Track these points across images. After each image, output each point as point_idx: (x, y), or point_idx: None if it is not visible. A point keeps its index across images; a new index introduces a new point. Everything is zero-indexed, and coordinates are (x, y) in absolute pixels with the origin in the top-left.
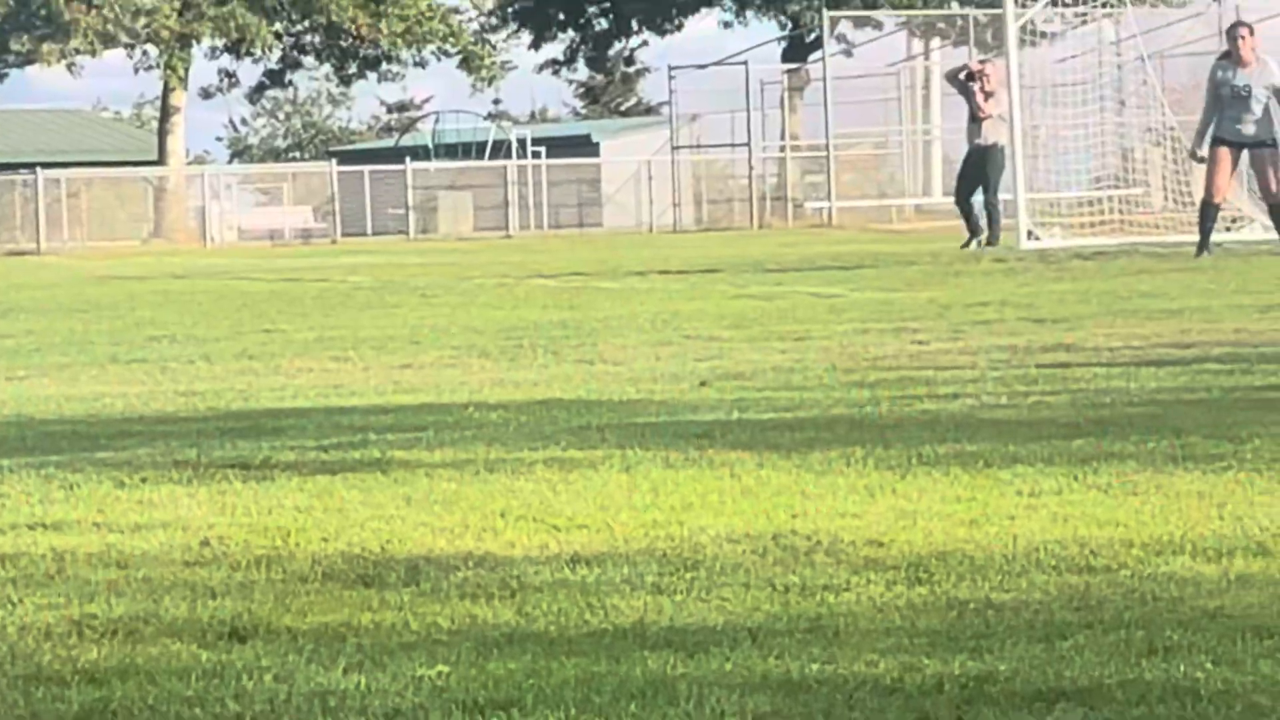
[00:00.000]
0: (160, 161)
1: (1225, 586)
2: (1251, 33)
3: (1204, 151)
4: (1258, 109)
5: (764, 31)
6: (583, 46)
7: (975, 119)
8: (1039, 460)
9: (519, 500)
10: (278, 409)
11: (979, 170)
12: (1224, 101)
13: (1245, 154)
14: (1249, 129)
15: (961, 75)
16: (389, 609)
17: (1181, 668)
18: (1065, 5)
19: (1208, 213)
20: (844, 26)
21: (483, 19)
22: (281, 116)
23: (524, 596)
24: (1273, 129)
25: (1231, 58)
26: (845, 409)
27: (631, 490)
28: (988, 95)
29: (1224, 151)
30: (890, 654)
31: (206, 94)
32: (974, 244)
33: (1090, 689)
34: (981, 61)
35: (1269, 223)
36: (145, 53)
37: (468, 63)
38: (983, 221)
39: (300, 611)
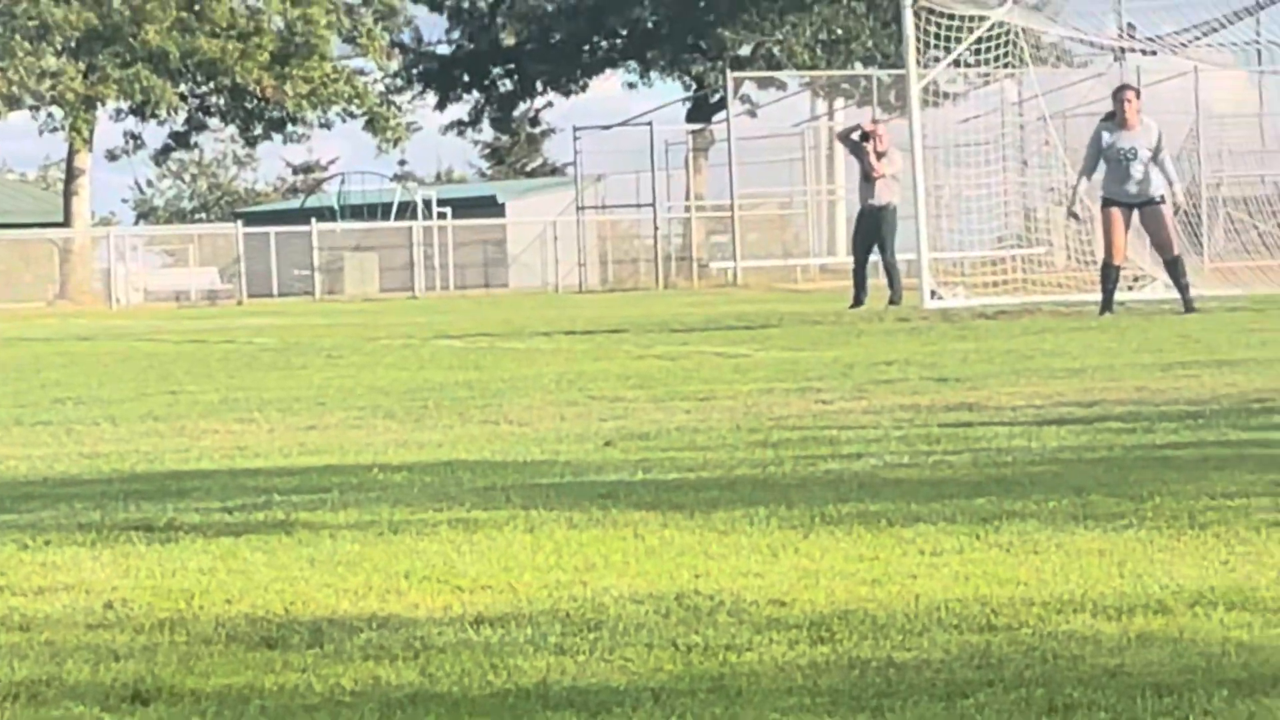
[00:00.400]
0: (66, 223)
1: (1125, 644)
2: (1138, 96)
3: (1080, 209)
4: (1140, 171)
5: (668, 92)
6: (488, 107)
7: (868, 178)
8: (941, 519)
9: (423, 561)
10: (182, 471)
11: (874, 231)
12: (1110, 164)
13: (1136, 214)
14: (1135, 189)
15: (854, 135)
16: (292, 671)
17: None
18: (967, 66)
19: (1109, 274)
20: (748, 87)
21: (388, 80)
22: (187, 178)
23: (427, 657)
24: (1157, 187)
25: (1116, 119)
26: (749, 469)
27: (535, 551)
28: (880, 155)
29: (1116, 212)
30: (792, 713)
31: (112, 156)
32: (860, 308)
33: None
34: (875, 121)
35: (1170, 281)
36: (50, 115)
37: (373, 124)
38: (884, 281)
39: (204, 674)
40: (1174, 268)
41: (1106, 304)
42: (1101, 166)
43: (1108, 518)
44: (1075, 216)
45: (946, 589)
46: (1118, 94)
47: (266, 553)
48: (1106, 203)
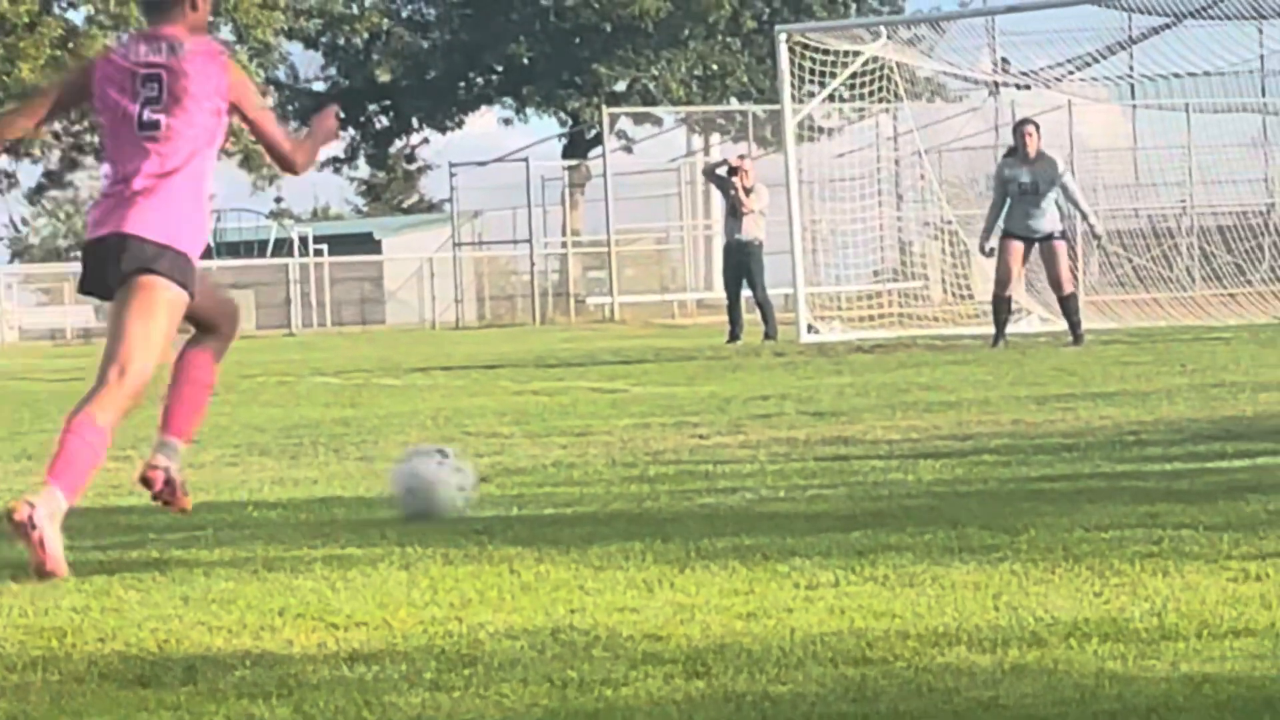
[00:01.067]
0: None
1: (1000, 677)
2: (1038, 130)
3: (993, 244)
4: (1045, 204)
5: (544, 128)
6: (364, 144)
7: (735, 213)
8: (816, 553)
9: (297, 598)
10: None
11: (743, 266)
12: (1013, 198)
13: (1036, 247)
14: (1037, 223)
15: (720, 170)
16: (166, 709)
17: None
18: (842, 100)
19: (1001, 305)
20: (624, 123)
21: None
22: (62, 216)
23: (302, 695)
24: (1060, 222)
25: (1018, 155)
26: (625, 504)
27: (410, 587)
28: (748, 190)
29: (1015, 244)
30: None
31: None
32: (736, 342)
33: None
34: (741, 157)
35: (1046, 315)
36: None
37: (249, 161)
38: (757, 317)
39: (76, 712)
40: (1066, 304)
41: (999, 335)
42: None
43: (983, 550)
44: (989, 253)
45: (822, 622)
46: (1018, 128)
47: (140, 591)
48: (1007, 234)
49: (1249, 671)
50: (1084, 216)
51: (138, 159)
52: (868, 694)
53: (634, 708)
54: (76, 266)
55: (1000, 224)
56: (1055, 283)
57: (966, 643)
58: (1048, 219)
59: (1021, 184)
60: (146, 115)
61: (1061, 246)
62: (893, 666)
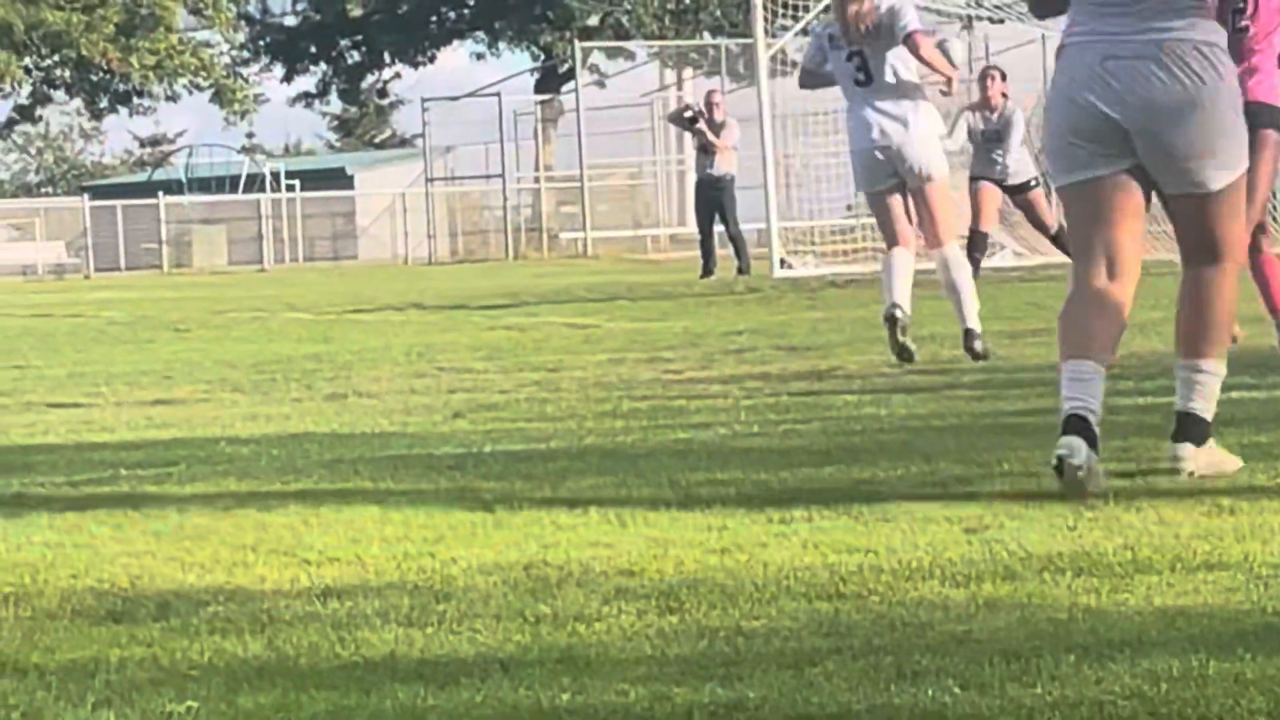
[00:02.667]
0: None
1: (974, 611)
2: (1003, 78)
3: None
4: (1010, 149)
5: (516, 63)
6: (335, 79)
7: (705, 150)
8: (790, 488)
9: (270, 534)
10: (28, 445)
11: (715, 201)
12: (975, 147)
13: (1010, 198)
14: (1004, 169)
15: (687, 115)
16: (138, 644)
17: (930, 692)
18: None
19: (976, 240)
20: (596, 57)
21: (235, 52)
22: (33, 152)
23: (274, 630)
24: (1033, 168)
25: (980, 101)
26: (598, 439)
27: (383, 523)
28: (719, 126)
29: (985, 185)
30: (641, 683)
31: None
32: (709, 277)
33: (839, 714)
34: (711, 91)
35: (1020, 249)
36: None
37: (220, 96)
38: (730, 252)
39: (49, 648)
40: (1058, 241)
41: (974, 272)
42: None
43: (956, 485)
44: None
45: (795, 557)
46: (981, 76)
47: (113, 527)
48: (975, 178)
49: (1222, 605)
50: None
51: None
52: (841, 628)
53: (607, 643)
54: (48, 202)
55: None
56: (1040, 226)
57: (940, 577)
58: (1016, 164)
59: (984, 132)
60: None
61: (1037, 195)
62: (866, 601)
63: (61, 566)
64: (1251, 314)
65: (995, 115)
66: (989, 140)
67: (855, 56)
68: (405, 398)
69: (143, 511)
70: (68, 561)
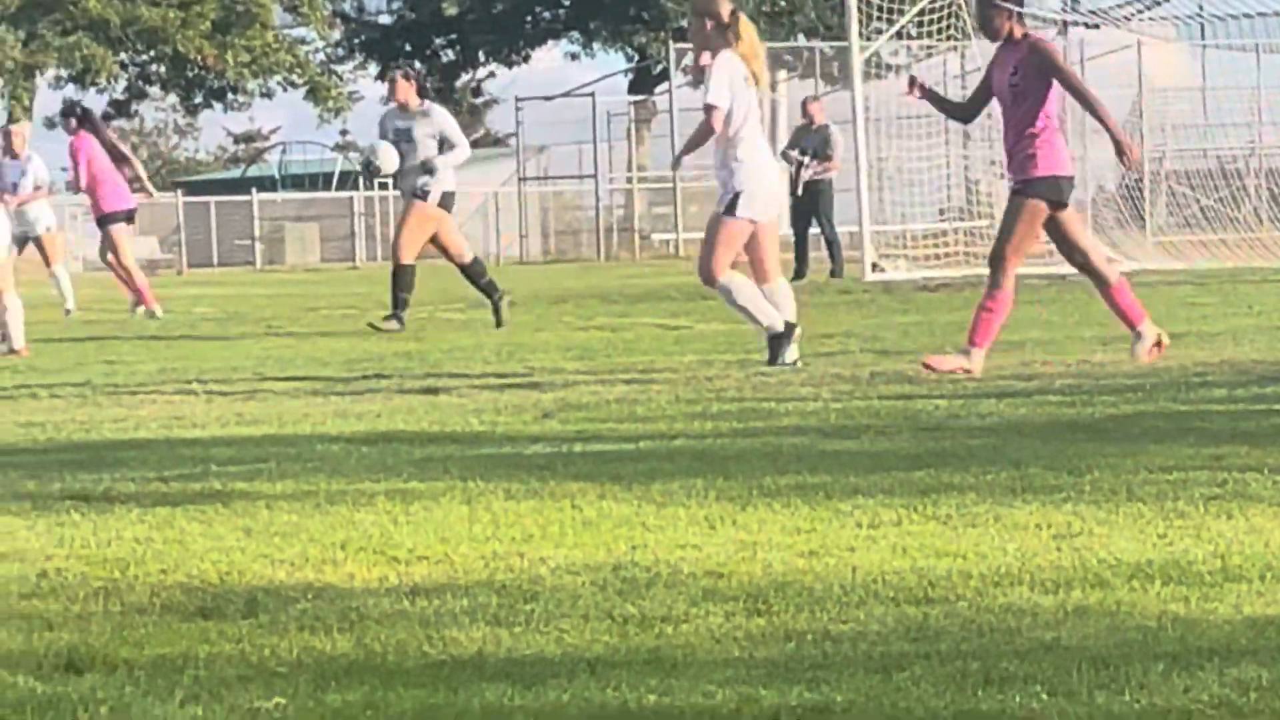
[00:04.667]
0: None
1: (1062, 618)
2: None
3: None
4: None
5: (611, 63)
6: (430, 78)
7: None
8: (879, 492)
9: (359, 532)
10: (119, 440)
11: (811, 204)
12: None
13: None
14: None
15: (795, 154)
16: (227, 641)
17: (1017, 698)
18: (910, 38)
19: None
20: (690, 58)
21: (330, 50)
22: (127, 147)
23: (363, 628)
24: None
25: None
26: (687, 440)
27: (472, 522)
28: (825, 145)
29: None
30: (727, 685)
31: (51, 124)
32: (801, 280)
33: (926, 719)
34: (807, 99)
35: (1114, 255)
36: None
37: (314, 93)
38: (824, 254)
39: (138, 643)
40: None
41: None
42: None
43: (1046, 491)
44: None
45: (884, 561)
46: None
47: (202, 523)
48: None
49: None
50: None
51: None
52: (929, 633)
53: (694, 644)
54: (141, 197)
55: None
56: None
57: (1029, 583)
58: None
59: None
60: None
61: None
62: (954, 606)
63: (151, 562)
64: None
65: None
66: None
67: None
68: (496, 397)
69: (233, 508)
70: (157, 557)
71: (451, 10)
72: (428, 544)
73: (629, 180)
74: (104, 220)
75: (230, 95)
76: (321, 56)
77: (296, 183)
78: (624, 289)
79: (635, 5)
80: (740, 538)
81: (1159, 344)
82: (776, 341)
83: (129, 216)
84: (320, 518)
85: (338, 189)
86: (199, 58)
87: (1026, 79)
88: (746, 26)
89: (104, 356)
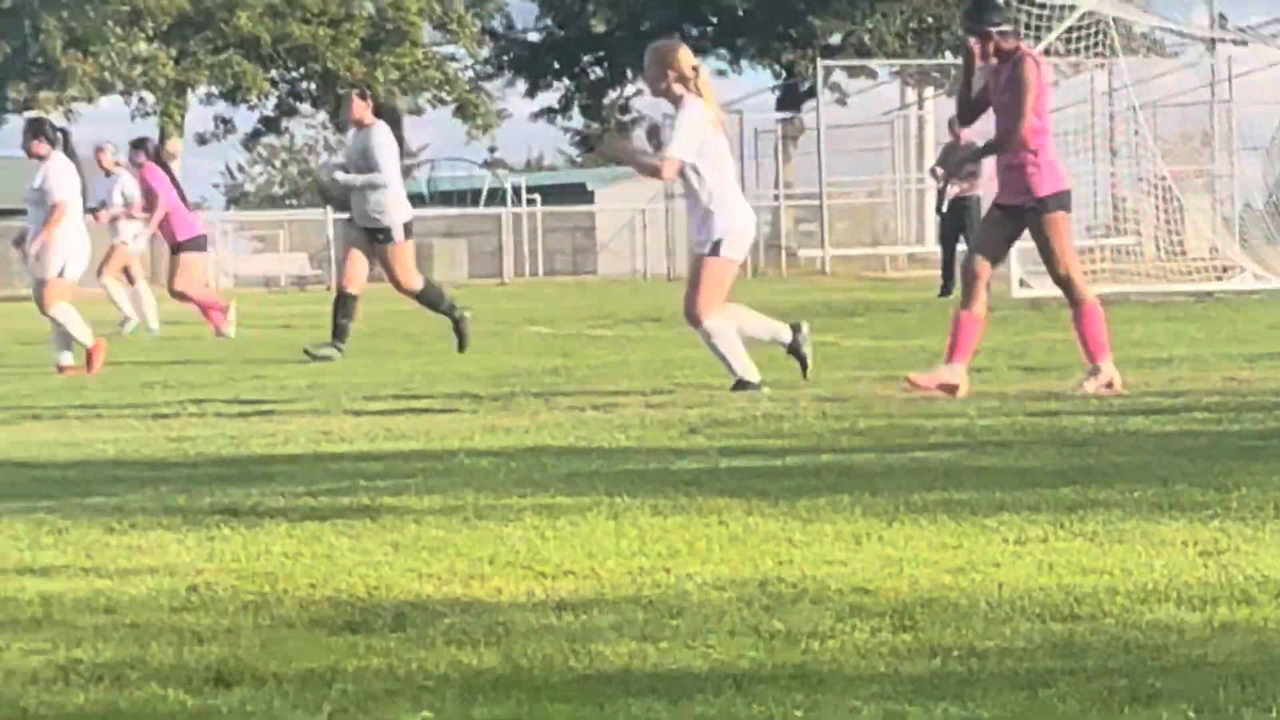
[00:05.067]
0: None
1: (1209, 635)
2: None
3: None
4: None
5: (758, 80)
6: (578, 95)
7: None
8: (1025, 508)
9: (506, 547)
10: (268, 455)
11: (959, 222)
12: None
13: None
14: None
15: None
16: (375, 655)
17: (1164, 715)
18: (1058, 55)
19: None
20: (838, 75)
21: (478, 67)
22: (278, 164)
23: (510, 642)
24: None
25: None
26: (834, 456)
27: (619, 537)
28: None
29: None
30: (874, 701)
31: (202, 140)
32: (948, 296)
33: None
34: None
35: (1261, 272)
36: (142, 100)
37: (463, 110)
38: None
39: (286, 657)
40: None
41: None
42: None
43: (1193, 508)
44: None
45: (1030, 578)
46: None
47: (351, 537)
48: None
49: None
50: None
51: None
52: (1075, 650)
53: (840, 660)
54: (292, 214)
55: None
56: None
57: (1175, 600)
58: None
59: None
60: None
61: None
62: (1101, 623)
63: (300, 576)
64: None
65: None
66: None
67: None
68: (642, 412)
69: (381, 522)
70: (306, 571)
71: (600, 27)
72: (574, 559)
73: (776, 197)
74: (177, 248)
75: None
76: (470, 74)
77: (444, 199)
78: (771, 305)
79: (783, 22)
80: (886, 553)
81: (1110, 385)
82: (741, 386)
83: (201, 243)
84: (468, 532)
85: (486, 205)
86: (349, 75)
87: (1014, 95)
88: (706, 84)
89: (253, 372)
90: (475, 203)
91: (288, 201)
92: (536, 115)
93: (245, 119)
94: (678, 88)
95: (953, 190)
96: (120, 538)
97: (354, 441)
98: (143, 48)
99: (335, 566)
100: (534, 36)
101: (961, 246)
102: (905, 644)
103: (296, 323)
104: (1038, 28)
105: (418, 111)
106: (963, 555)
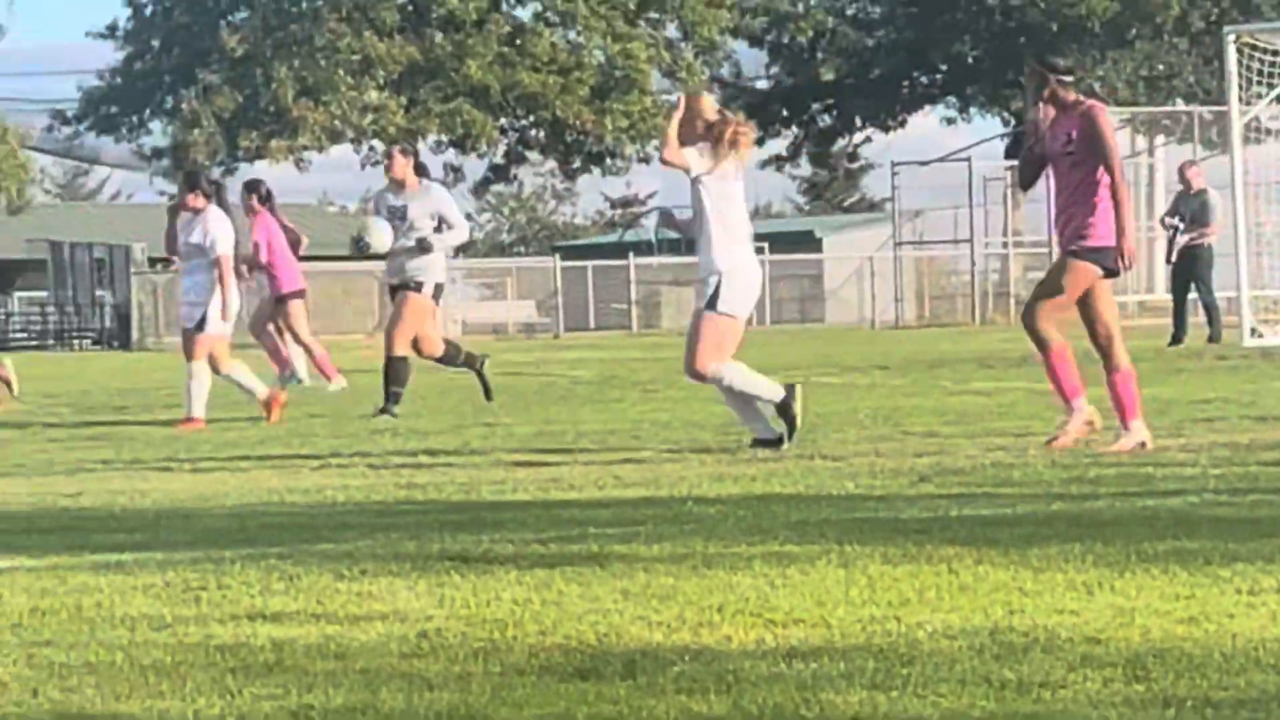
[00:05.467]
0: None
1: None
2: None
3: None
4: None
5: (986, 128)
6: (806, 143)
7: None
8: (1259, 558)
9: (736, 594)
10: (497, 502)
11: (1191, 270)
12: None
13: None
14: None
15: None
16: (605, 702)
17: None
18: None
19: None
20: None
21: None
22: (506, 211)
23: (740, 690)
24: None
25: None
26: (1065, 505)
27: (849, 585)
28: (1199, 198)
29: None
30: None
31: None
32: (1179, 345)
33: None
34: (1185, 164)
35: None
36: (371, 148)
37: None
38: (1202, 320)
39: (517, 704)
40: None
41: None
42: None
43: None
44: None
45: (1264, 628)
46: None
47: (580, 584)
48: None
49: None
50: None
51: None
52: None
53: (1072, 711)
54: (520, 261)
55: None
56: None
57: None
58: None
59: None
60: None
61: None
62: None
63: (530, 623)
64: None
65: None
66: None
67: None
68: (871, 461)
69: (610, 569)
70: (536, 618)
71: (829, 75)
72: (804, 607)
73: (1004, 245)
74: (282, 299)
75: (608, 160)
76: None
77: (672, 247)
78: (1000, 353)
79: (1012, 69)
80: (1118, 603)
81: (1143, 445)
82: (784, 405)
83: (302, 294)
84: (697, 580)
85: None
86: (578, 123)
87: (1081, 147)
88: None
89: (482, 419)
90: None
91: (515, 249)
92: (765, 163)
93: (474, 167)
94: (703, 135)
95: (1182, 239)
96: (350, 584)
97: (582, 489)
98: (373, 96)
99: (565, 613)
100: (763, 84)
101: (1192, 294)
102: (1139, 694)
103: (525, 369)
104: (1270, 75)
105: (646, 160)
106: (1195, 605)
